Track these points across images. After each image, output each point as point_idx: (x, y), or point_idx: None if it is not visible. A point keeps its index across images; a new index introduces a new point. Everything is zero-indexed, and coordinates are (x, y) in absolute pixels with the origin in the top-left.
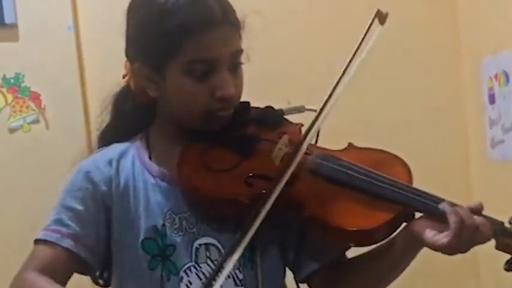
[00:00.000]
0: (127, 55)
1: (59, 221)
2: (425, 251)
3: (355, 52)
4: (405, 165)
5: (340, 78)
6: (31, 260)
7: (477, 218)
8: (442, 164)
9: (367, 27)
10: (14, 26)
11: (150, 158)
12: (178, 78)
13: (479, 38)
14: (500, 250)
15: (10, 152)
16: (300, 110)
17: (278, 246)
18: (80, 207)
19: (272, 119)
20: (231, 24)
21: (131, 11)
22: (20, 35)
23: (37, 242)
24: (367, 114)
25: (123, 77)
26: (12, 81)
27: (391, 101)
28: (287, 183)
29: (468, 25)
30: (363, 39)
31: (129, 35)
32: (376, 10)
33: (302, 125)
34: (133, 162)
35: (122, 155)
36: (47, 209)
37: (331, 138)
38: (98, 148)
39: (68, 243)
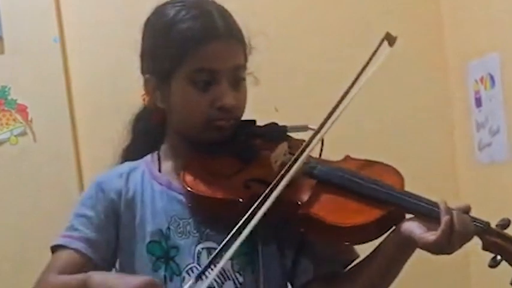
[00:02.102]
0: (141, 70)
1: (70, 227)
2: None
3: (361, 72)
4: (399, 174)
5: (344, 95)
6: (48, 267)
7: (465, 216)
8: (429, 168)
9: (375, 48)
10: (0, 38)
11: (159, 171)
12: (183, 87)
13: (464, 41)
14: (486, 250)
15: None
16: (303, 129)
17: (278, 253)
18: (90, 213)
19: (275, 134)
20: (235, 39)
21: (145, 27)
22: (5, 48)
23: (52, 249)
24: (353, 118)
25: (142, 97)
26: None
27: (378, 105)
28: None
29: (453, 28)
30: (370, 59)
31: (143, 49)
32: (385, 32)
33: (304, 141)
34: (143, 175)
35: (132, 170)
36: (35, 220)
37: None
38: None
39: (78, 245)
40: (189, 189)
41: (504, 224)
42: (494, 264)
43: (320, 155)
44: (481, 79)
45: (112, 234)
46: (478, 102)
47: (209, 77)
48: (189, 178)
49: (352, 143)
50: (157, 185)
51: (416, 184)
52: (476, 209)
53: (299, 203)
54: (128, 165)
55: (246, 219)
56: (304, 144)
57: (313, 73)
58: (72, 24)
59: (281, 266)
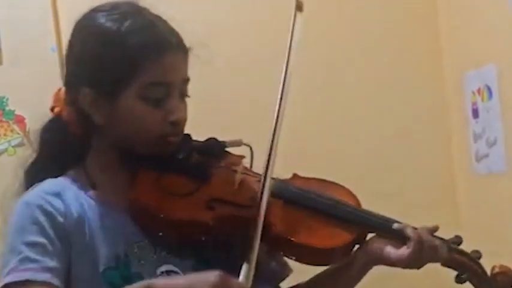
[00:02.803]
0: (68, 82)
1: (25, 259)
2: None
3: (289, 51)
4: (353, 194)
5: (283, 89)
6: None
7: (434, 239)
8: (427, 179)
9: (292, 21)
10: None
11: (93, 189)
12: (133, 103)
13: (461, 53)
14: (446, 266)
15: None
16: (238, 144)
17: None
18: (42, 240)
19: (215, 150)
20: (183, 51)
21: (78, 36)
22: (3, 58)
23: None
24: (349, 131)
25: (52, 109)
26: None
27: (374, 116)
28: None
29: (450, 39)
30: (292, 35)
31: (76, 61)
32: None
33: (244, 157)
34: (77, 195)
35: (62, 189)
36: None
37: (316, 154)
38: (26, 185)
39: (44, 276)
40: (146, 211)
41: (457, 241)
42: (460, 281)
43: (251, 165)
44: (478, 90)
45: (68, 259)
46: (475, 113)
47: (163, 90)
48: (144, 199)
49: (349, 154)
50: (99, 205)
51: (414, 196)
52: (474, 219)
53: (272, 225)
54: (53, 183)
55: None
56: (266, 161)
57: (311, 83)
58: (70, 33)
59: None
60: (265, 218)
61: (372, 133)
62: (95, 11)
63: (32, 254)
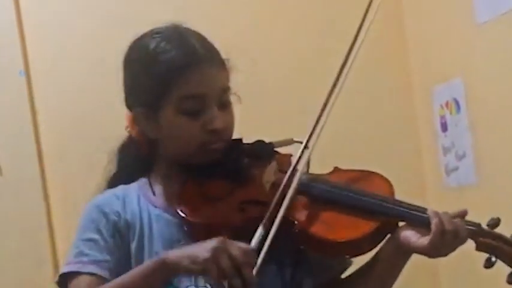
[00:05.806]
0: (127, 105)
1: (79, 253)
2: None
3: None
4: (385, 179)
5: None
6: None
7: (456, 221)
8: (397, 192)
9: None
10: None
11: (153, 194)
12: (172, 117)
13: (429, 67)
14: (480, 251)
15: None
16: (289, 142)
17: (276, 263)
18: (95, 236)
19: (263, 152)
20: (216, 62)
21: (126, 62)
22: None
23: (62, 277)
24: (319, 145)
25: (126, 129)
26: None
27: (343, 131)
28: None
29: (418, 54)
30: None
31: (127, 84)
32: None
33: (291, 155)
34: (139, 198)
35: (127, 192)
36: (2, 252)
37: None
38: None
39: (90, 268)
40: (184, 216)
41: (494, 223)
42: (489, 265)
43: (308, 167)
44: (446, 104)
45: (121, 253)
46: (444, 127)
47: (198, 102)
48: (183, 205)
49: (318, 169)
50: (153, 208)
51: None
52: None
53: (295, 221)
54: (122, 187)
55: (259, 244)
56: (294, 163)
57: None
58: (37, 57)
59: (279, 277)
60: (289, 215)
61: (340, 147)
62: (141, 36)
63: (85, 249)
